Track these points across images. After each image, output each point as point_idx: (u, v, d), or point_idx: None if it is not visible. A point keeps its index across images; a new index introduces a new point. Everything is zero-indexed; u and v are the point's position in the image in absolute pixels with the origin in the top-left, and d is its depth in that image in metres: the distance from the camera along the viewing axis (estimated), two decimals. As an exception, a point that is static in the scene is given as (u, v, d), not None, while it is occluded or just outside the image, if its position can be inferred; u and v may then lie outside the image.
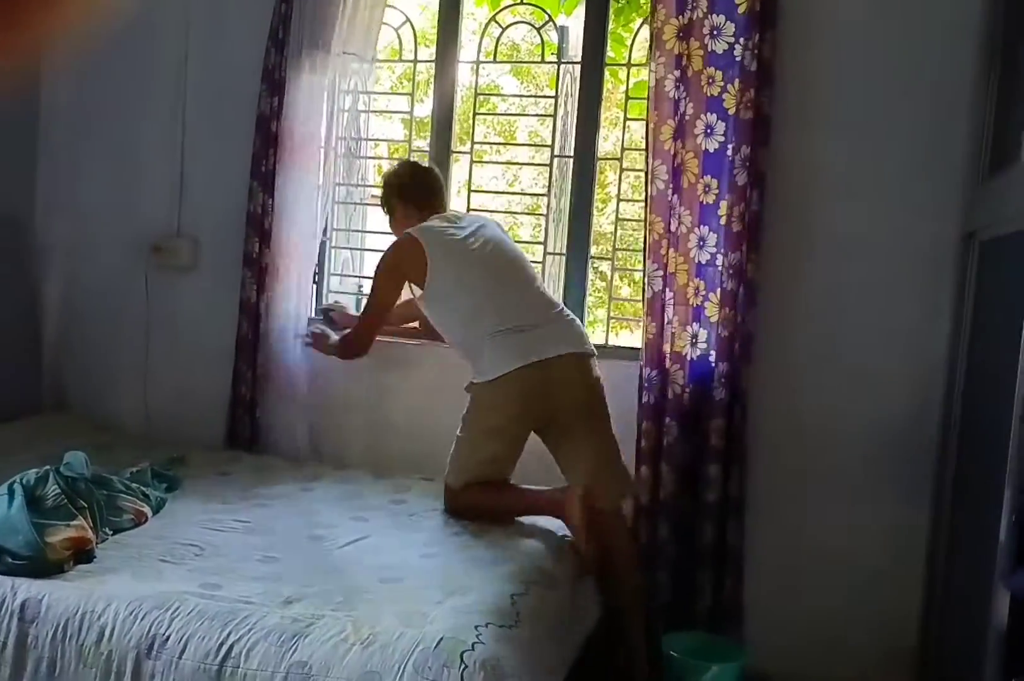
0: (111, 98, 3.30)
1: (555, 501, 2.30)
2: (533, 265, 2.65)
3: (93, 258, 3.35)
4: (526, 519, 2.41)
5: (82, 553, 1.96)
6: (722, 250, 2.60)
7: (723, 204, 2.60)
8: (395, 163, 2.92)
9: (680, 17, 2.62)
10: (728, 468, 2.59)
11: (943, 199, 2.54)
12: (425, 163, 2.87)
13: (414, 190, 2.67)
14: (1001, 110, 2.28)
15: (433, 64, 3.13)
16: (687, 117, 2.63)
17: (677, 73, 2.64)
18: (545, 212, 3.15)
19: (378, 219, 3.47)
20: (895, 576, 2.62)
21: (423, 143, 3.30)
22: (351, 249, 3.10)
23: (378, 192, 2.85)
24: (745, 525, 2.65)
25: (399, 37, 3.19)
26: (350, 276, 3.16)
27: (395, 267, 2.54)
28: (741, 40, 2.56)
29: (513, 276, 2.49)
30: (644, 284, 2.72)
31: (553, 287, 2.99)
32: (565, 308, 2.52)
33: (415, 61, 3.27)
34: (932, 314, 2.57)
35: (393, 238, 2.68)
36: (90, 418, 3.23)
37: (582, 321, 2.92)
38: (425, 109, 3.50)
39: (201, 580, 1.91)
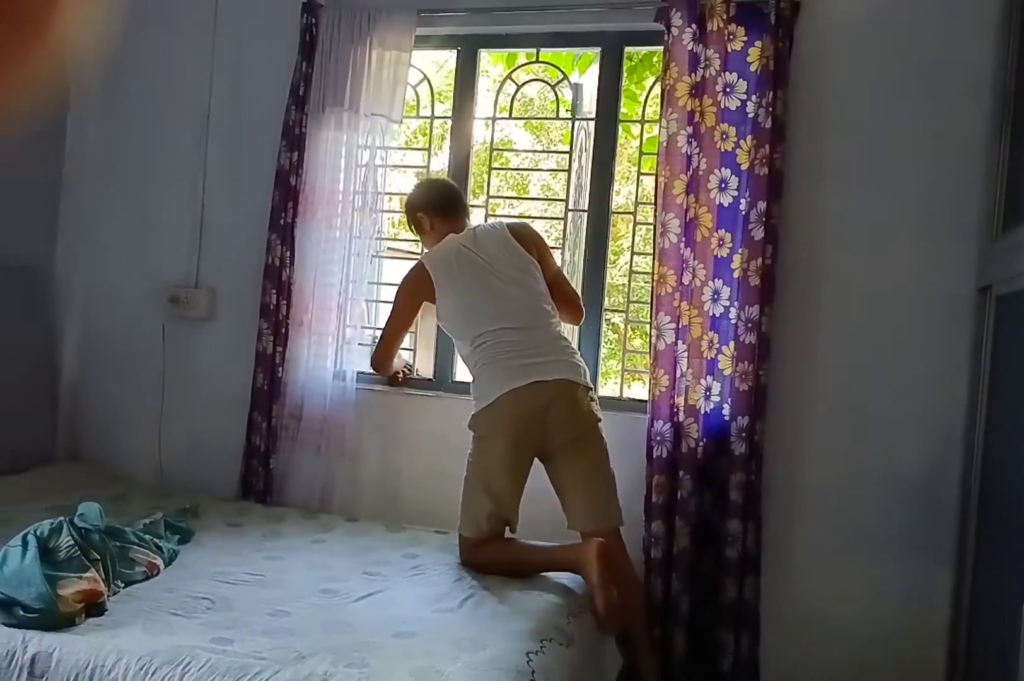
0: (133, 150, 3.38)
1: (570, 560, 2.30)
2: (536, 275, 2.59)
3: (111, 308, 3.39)
4: (542, 574, 2.39)
5: (93, 606, 1.94)
6: (736, 303, 2.61)
7: (736, 258, 2.62)
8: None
9: (692, 75, 2.68)
10: (745, 523, 2.56)
11: (957, 253, 2.55)
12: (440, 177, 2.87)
13: (436, 201, 2.71)
14: (1015, 164, 2.31)
15: (448, 119, 3.19)
16: (700, 172, 2.67)
17: (690, 129, 2.68)
18: (560, 265, 3.17)
19: (394, 271, 3.51)
20: (917, 634, 2.56)
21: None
22: (367, 301, 3.12)
23: (393, 243, 2.89)
24: (761, 582, 2.61)
25: (416, 94, 3.26)
26: (366, 328, 3.17)
27: (410, 295, 2.64)
28: (754, 97, 2.61)
29: (513, 302, 2.50)
30: (651, 336, 2.73)
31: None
32: (565, 342, 2.52)
33: (432, 117, 3.34)
34: (949, 367, 2.55)
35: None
36: (104, 468, 3.23)
37: (595, 372, 2.92)
38: (440, 163, 3.57)
39: (212, 634, 1.88)
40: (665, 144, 2.70)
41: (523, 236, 2.61)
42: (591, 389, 2.49)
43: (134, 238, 3.37)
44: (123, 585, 2.11)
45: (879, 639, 2.59)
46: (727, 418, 2.61)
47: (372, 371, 2.87)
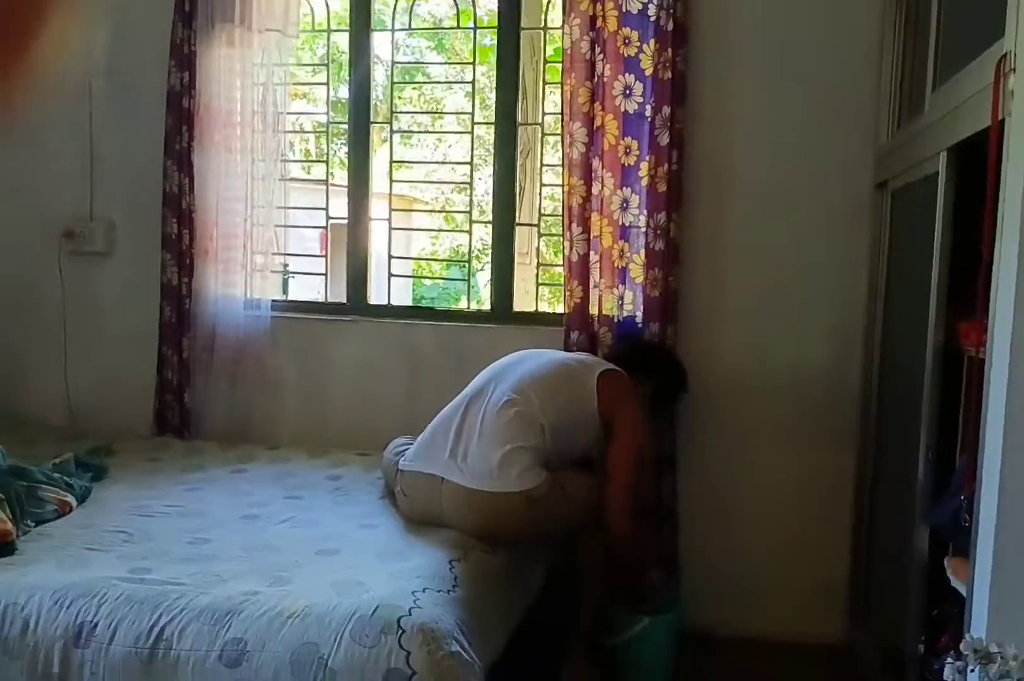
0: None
1: None
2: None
3: (2, 246, 3.22)
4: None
5: (2, 546, 1.89)
6: (645, 211, 2.61)
7: (643, 165, 2.60)
8: None
9: (592, -23, 2.60)
10: (659, 425, 2.61)
11: (856, 152, 2.58)
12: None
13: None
14: (907, 65, 2.31)
15: (346, 32, 3.05)
16: (605, 79, 2.62)
17: (592, 34, 2.62)
18: (469, 181, 3.12)
19: (301, 196, 3.40)
20: (824, 518, 2.69)
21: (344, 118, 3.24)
22: (276, 226, 3.03)
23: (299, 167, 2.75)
24: (677, 480, 2.67)
25: (311, 7, 3.11)
26: (276, 254, 3.09)
27: None
28: (655, 0, 2.55)
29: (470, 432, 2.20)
30: (564, 248, 2.72)
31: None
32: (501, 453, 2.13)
33: (328, 30, 3.21)
34: (851, 265, 2.62)
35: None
36: (11, 412, 3.12)
37: (510, 287, 2.91)
38: (345, 89, 3.43)
39: (130, 565, 1.86)
40: (569, 51, 2.64)
41: (606, 385, 2.26)
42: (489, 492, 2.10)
43: (20, 170, 3.17)
44: (33, 524, 2.06)
45: (790, 524, 2.70)
46: (640, 325, 2.63)
47: None
